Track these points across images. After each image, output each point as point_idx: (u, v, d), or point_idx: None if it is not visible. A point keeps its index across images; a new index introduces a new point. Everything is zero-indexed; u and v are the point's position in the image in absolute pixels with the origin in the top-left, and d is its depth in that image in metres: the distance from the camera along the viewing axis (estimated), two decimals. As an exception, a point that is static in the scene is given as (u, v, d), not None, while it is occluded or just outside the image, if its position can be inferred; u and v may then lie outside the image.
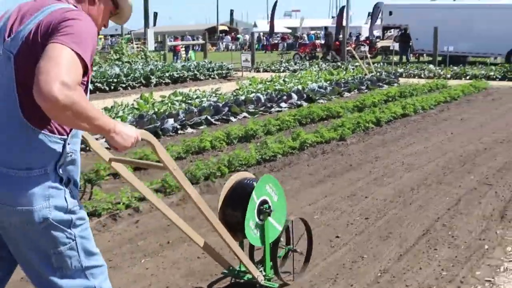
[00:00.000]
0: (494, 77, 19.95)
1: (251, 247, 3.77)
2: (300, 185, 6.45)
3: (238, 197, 3.48)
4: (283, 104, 12.63)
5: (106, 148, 3.15)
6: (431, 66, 22.60)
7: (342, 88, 15.24)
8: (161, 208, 3.03)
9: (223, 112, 11.03)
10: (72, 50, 2.03)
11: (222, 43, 57.60)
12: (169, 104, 11.92)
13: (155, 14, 72.22)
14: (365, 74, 18.72)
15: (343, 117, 10.31)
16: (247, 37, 54.89)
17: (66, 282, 2.30)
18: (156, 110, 10.77)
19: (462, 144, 8.66)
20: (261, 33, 61.43)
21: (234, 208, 3.49)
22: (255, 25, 74.37)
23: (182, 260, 4.46)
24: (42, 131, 2.17)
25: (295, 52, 35.44)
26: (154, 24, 69.77)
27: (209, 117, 10.62)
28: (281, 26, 74.33)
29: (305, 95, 13.45)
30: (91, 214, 5.26)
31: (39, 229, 2.19)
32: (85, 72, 2.12)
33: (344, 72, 19.84)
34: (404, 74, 21.26)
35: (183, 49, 40.98)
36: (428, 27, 24.64)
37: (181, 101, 12.56)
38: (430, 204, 5.71)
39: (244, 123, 10.06)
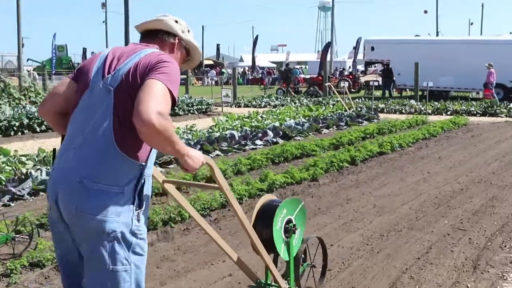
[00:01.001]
0: (475, 112, 19.84)
1: (267, 267, 3.91)
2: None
3: (266, 217, 3.80)
4: (258, 142, 12.31)
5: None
6: (412, 101, 22.49)
7: (320, 125, 14.98)
8: (205, 228, 3.34)
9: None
10: (166, 86, 2.49)
11: (207, 78, 57.57)
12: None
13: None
14: (345, 110, 18.52)
15: (316, 156, 9.99)
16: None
17: None
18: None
19: (438, 185, 8.34)
20: (246, 68, 61.59)
21: (263, 227, 3.80)
22: (241, 59, 74.61)
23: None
24: (128, 157, 2.55)
25: (278, 87, 35.34)
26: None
27: (179, 156, 10.27)
28: (266, 60, 74.75)
29: (281, 132, 13.15)
30: (33, 265, 4.88)
31: (107, 240, 2.52)
32: (173, 105, 2.54)
33: (324, 108, 19.64)
34: (385, 109, 21.14)
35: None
36: (409, 62, 24.64)
37: (154, 138, 12.22)
38: (399, 253, 5.35)
39: (216, 162, 9.70)
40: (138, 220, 2.61)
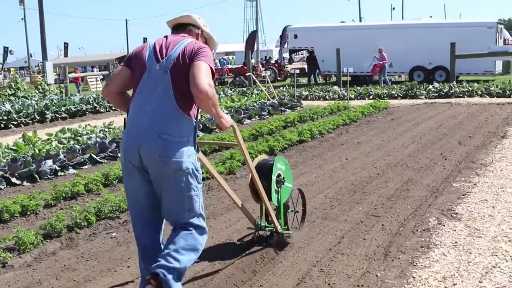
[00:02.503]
0: (396, 95, 20.15)
1: (266, 211, 5.04)
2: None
3: (262, 172, 4.83)
4: (177, 136, 12.00)
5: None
6: (335, 87, 22.63)
7: (242, 115, 14.80)
8: (222, 183, 4.43)
9: (110, 149, 10.29)
10: (208, 65, 3.54)
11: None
12: (56, 143, 11.07)
13: (66, 45, 70.08)
14: (268, 99, 18.41)
15: (234, 148, 9.80)
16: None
17: (190, 219, 3.65)
18: (37, 151, 9.91)
19: (355, 171, 8.31)
20: (173, 60, 60.75)
21: (260, 179, 4.73)
22: (168, 52, 73.52)
23: None
24: (187, 115, 3.56)
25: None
26: (66, 55, 67.91)
27: (93, 156, 9.86)
28: (193, 52, 73.93)
29: (201, 125, 12.88)
30: None
31: (183, 175, 3.53)
32: (213, 77, 3.57)
33: (246, 98, 19.45)
34: (309, 96, 21.19)
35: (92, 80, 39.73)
36: (332, 49, 24.77)
37: (70, 138, 11.71)
38: (310, 245, 5.22)
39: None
40: (197, 160, 3.66)
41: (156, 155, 3.47)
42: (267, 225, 5.16)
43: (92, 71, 51.56)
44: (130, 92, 3.82)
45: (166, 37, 3.85)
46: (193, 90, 3.41)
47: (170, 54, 3.63)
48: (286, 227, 5.11)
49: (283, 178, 4.99)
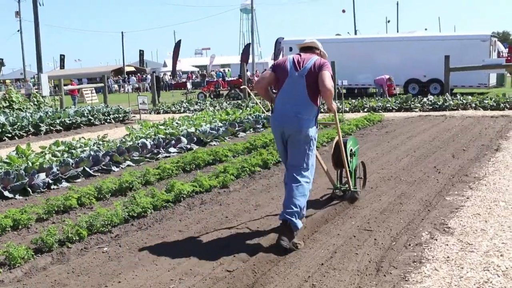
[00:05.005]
0: (391, 108, 20.18)
1: (340, 176, 7.35)
2: (165, 247, 5.80)
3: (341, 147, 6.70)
4: (172, 149, 11.99)
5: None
6: (330, 100, 22.60)
7: (237, 128, 14.80)
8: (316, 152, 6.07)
9: (104, 162, 10.26)
10: (330, 74, 5.58)
11: (128, 84, 56.56)
12: (50, 156, 11.02)
13: (62, 57, 70.20)
14: (263, 112, 18.40)
15: (226, 161, 9.78)
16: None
17: (305, 165, 5.66)
18: (31, 164, 9.86)
19: (349, 184, 8.29)
20: (168, 73, 60.86)
21: (339, 152, 6.76)
22: (164, 65, 73.60)
23: None
24: (314, 104, 5.60)
25: (199, 91, 35.00)
26: (63, 67, 67.88)
27: (87, 169, 9.83)
28: (189, 64, 74.13)
29: (195, 138, 12.87)
30: None
31: (309, 139, 5.58)
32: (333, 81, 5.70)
33: (241, 111, 19.43)
34: (304, 109, 21.15)
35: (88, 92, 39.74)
36: (328, 61, 24.77)
37: (63, 151, 11.66)
38: (302, 260, 5.20)
39: (122, 174, 9.31)
40: (317, 133, 5.69)
41: (295, 127, 5.52)
42: (341, 186, 7.25)
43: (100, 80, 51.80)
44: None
45: (300, 54, 5.81)
46: (322, 88, 5.47)
47: (305, 66, 5.61)
48: (356, 187, 7.19)
49: (354, 151, 7.10)
